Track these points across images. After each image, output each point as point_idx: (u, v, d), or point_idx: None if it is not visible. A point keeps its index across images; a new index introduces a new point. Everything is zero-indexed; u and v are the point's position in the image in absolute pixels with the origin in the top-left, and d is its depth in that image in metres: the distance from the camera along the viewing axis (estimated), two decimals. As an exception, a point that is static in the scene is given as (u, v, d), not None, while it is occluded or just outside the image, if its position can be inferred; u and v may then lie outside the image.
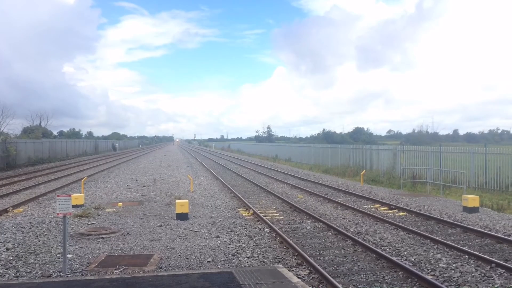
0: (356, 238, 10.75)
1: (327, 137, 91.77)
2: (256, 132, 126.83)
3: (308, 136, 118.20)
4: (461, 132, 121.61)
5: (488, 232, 11.41)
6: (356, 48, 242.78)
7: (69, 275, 7.89)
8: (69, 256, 8.93)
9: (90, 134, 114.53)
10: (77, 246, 10.02)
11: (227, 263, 8.76)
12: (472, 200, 14.69)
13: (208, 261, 8.88)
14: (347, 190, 20.55)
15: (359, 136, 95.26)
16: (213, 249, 9.85)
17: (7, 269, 8.33)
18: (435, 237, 10.80)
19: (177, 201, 13.89)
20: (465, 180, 20.06)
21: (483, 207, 15.59)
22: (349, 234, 11.19)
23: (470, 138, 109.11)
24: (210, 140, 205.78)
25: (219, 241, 10.57)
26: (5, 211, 14.77)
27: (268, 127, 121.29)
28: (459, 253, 9.52)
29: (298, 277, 7.70)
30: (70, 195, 8.45)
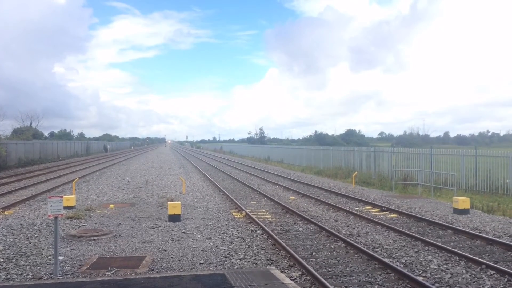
0: (348, 239, 10.80)
1: (319, 139, 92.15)
2: (248, 133, 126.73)
3: (300, 138, 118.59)
4: (452, 134, 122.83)
5: (478, 233, 11.52)
6: (349, 49, 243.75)
7: (60, 277, 7.84)
8: (61, 258, 8.88)
9: (81, 135, 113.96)
10: (68, 248, 9.96)
11: (219, 265, 8.76)
12: (463, 202, 14.82)
13: (200, 263, 8.87)
14: (339, 192, 20.62)
15: (351, 138, 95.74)
16: (206, 251, 9.84)
17: (-3, 271, 8.26)
18: (426, 239, 10.88)
19: (169, 202, 13.86)
20: (456, 182, 20.24)
21: (473, 208, 15.72)
22: (341, 235, 11.24)
23: (461, 140, 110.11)
24: (202, 141, 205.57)
25: (211, 243, 10.57)
26: (-5, 212, 14.64)
27: (260, 129, 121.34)
28: (450, 255, 9.60)
29: (291, 279, 7.72)
30: (61, 197, 8.41)
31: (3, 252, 9.56)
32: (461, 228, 12.20)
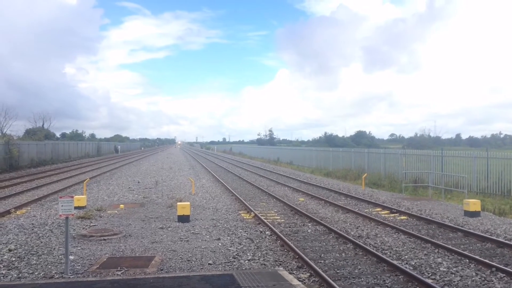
0: (357, 241, 10.77)
1: (329, 140, 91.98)
2: (258, 135, 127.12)
3: (310, 139, 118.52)
4: (464, 136, 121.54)
5: (489, 236, 11.42)
6: (362, 49, 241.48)
7: (71, 277, 7.94)
8: (71, 257, 8.98)
9: (92, 136, 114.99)
10: (79, 248, 10.07)
11: (228, 266, 8.80)
12: (474, 204, 14.69)
13: (209, 264, 8.92)
14: (348, 194, 20.56)
15: (361, 139, 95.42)
16: (214, 251, 9.88)
17: (9, 270, 8.38)
18: (436, 241, 10.81)
19: (178, 203, 13.94)
20: (467, 184, 20.05)
21: (484, 211, 15.58)
22: (350, 237, 11.21)
23: (473, 142, 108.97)
24: (212, 142, 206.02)
25: (220, 244, 10.61)
26: (8, 212, 14.85)
27: (270, 130, 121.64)
28: (459, 257, 9.53)
29: (299, 280, 7.73)
30: (72, 197, 8.52)
31: (15, 251, 9.70)
32: (471, 231, 12.09)
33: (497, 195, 19.44)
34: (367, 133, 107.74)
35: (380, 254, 9.54)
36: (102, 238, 11.09)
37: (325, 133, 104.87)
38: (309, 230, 12.58)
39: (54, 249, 9.96)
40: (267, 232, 12.06)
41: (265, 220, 13.41)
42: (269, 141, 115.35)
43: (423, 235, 11.71)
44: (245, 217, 14.49)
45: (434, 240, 10.92)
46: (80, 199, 15.81)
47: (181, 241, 10.90)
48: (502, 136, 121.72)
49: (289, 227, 12.99)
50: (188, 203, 13.96)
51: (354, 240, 10.89)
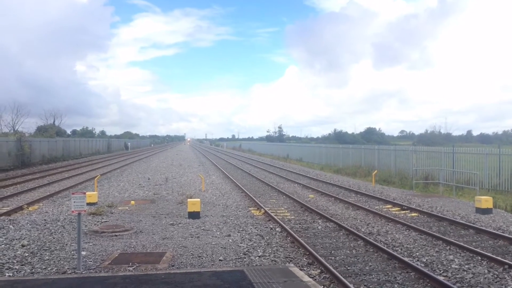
0: (368, 238, 10.73)
1: (339, 137, 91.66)
2: (267, 132, 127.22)
3: (320, 136, 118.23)
4: (475, 133, 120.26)
5: (501, 233, 11.31)
6: (372, 45, 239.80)
7: (83, 272, 8.02)
8: (83, 253, 9.06)
9: (102, 133, 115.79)
10: (91, 244, 10.16)
11: (238, 262, 8.82)
12: (485, 201, 14.55)
13: (219, 260, 8.95)
14: (358, 190, 20.48)
15: (370, 136, 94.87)
16: (225, 247, 9.91)
17: (22, 265, 8.49)
18: (448, 238, 10.73)
19: (188, 200, 13.99)
20: (478, 181, 19.87)
21: (496, 208, 15.44)
22: (360, 234, 11.17)
23: (484, 139, 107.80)
24: (221, 139, 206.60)
25: (230, 240, 10.64)
26: (20, 208, 15.03)
27: (279, 127, 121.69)
28: (471, 255, 9.45)
29: (310, 276, 7.73)
30: (85, 193, 8.59)
31: (28, 246, 9.82)
32: (483, 228, 11.99)
33: (509, 192, 19.23)
34: (377, 129, 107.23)
35: (391, 251, 9.50)
36: (113, 234, 11.18)
37: (335, 130, 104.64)
38: (319, 227, 12.56)
39: (66, 244, 10.07)
40: (277, 229, 12.06)
41: (275, 217, 13.42)
42: (279, 138, 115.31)
43: (434, 232, 11.64)
44: (255, 214, 14.51)
45: (445, 237, 10.85)
46: (92, 195, 15.93)
47: (191, 237, 10.96)
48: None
49: (299, 224, 12.99)
50: (198, 199, 14.01)
51: (364, 237, 10.86)
